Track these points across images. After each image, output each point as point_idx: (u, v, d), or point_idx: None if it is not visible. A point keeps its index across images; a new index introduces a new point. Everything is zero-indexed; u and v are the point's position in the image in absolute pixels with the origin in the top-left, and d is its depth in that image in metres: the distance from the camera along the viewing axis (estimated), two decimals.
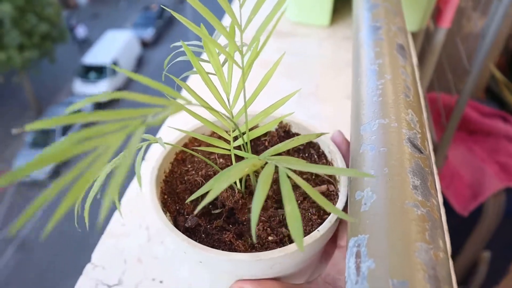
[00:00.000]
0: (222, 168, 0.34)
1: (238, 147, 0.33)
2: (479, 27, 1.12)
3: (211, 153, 0.38)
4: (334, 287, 0.31)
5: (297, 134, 0.39)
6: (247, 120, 0.31)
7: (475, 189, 0.98)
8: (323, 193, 0.33)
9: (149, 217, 0.50)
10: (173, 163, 0.37)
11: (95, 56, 11.09)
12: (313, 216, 0.31)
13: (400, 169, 0.27)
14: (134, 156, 0.28)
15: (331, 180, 0.35)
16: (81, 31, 12.26)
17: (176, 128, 0.31)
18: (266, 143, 0.38)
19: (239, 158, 0.33)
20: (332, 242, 0.34)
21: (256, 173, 0.35)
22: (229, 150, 0.32)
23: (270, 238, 0.30)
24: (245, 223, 0.32)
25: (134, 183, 0.55)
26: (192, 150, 0.37)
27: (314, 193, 0.21)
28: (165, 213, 0.31)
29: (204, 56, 0.57)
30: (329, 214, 0.30)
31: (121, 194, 0.53)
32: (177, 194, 0.34)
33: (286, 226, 0.31)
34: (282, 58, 0.32)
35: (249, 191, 0.34)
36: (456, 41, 1.05)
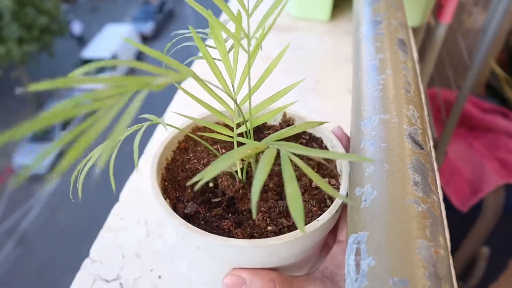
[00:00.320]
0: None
1: (242, 136, 0.33)
2: (480, 22, 1.12)
3: (214, 143, 0.38)
4: (332, 281, 0.31)
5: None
6: (251, 107, 0.31)
7: (475, 185, 0.98)
8: None
9: (148, 212, 0.50)
10: (175, 151, 0.37)
11: (94, 50, 11.05)
12: (313, 207, 0.31)
13: (400, 165, 0.27)
14: (134, 136, 0.28)
15: (333, 174, 0.35)
16: (76, 27, 12.21)
17: (180, 113, 0.31)
18: None
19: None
20: (333, 236, 0.34)
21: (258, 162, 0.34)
22: (232, 137, 0.32)
23: (269, 228, 0.30)
24: (244, 212, 0.32)
25: (133, 177, 0.55)
26: (192, 138, 0.36)
27: (315, 175, 0.20)
28: (165, 199, 0.31)
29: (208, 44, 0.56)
30: (329, 206, 0.30)
31: (120, 188, 0.52)
32: (177, 181, 0.34)
33: (286, 217, 0.31)
34: (284, 54, 0.32)
35: (250, 181, 0.34)
36: (456, 37, 1.04)
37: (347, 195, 0.30)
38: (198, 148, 0.37)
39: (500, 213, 0.97)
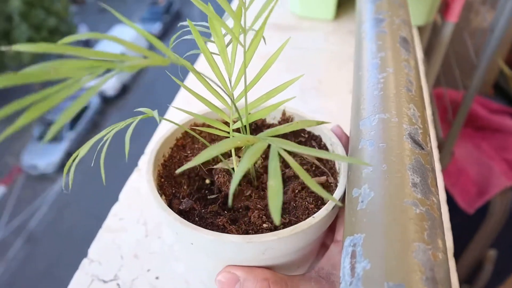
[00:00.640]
0: (222, 154, 0.34)
1: (239, 132, 0.33)
2: (488, 21, 1.10)
3: (212, 141, 0.38)
4: (328, 281, 0.30)
5: (301, 128, 0.39)
6: (247, 102, 0.30)
7: (482, 186, 0.96)
8: (322, 184, 0.33)
9: (147, 212, 0.50)
10: (173, 148, 0.37)
11: (103, 49, 11.12)
12: (310, 205, 0.31)
13: (399, 166, 0.26)
14: (125, 129, 0.28)
15: (331, 172, 0.34)
16: (82, 31, 12.30)
17: (178, 108, 0.31)
18: None
19: None
20: (331, 237, 0.33)
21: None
22: (228, 132, 0.32)
23: (264, 225, 0.30)
24: (240, 209, 0.32)
25: (132, 177, 0.54)
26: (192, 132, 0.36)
27: (303, 173, 0.20)
28: (161, 196, 0.31)
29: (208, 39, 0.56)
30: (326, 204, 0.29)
31: (119, 188, 0.52)
32: (174, 178, 0.34)
33: (282, 214, 0.30)
34: (286, 53, 0.31)
35: (247, 179, 0.33)
36: (464, 36, 1.03)
37: (344, 194, 0.30)
38: (196, 146, 0.37)
39: (507, 215, 0.95)
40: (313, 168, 0.35)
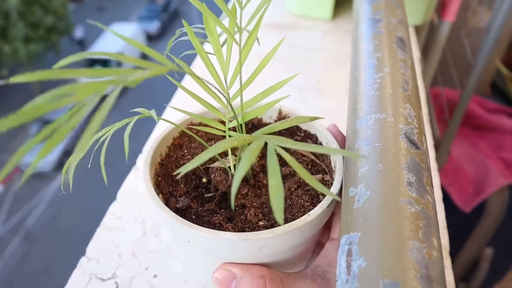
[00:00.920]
0: (218, 154, 0.34)
1: (235, 131, 0.33)
2: (485, 21, 1.10)
3: (209, 140, 0.38)
4: (323, 279, 0.30)
5: (297, 126, 0.39)
6: (242, 101, 0.31)
7: (478, 185, 0.97)
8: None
9: (145, 211, 0.50)
10: (170, 147, 0.37)
11: (100, 49, 11.10)
12: (305, 203, 0.31)
13: (395, 165, 0.26)
14: (123, 129, 0.28)
15: (327, 170, 0.34)
16: (78, 32, 12.18)
17: (174, 107, 0.31)
18: None
19: None
20: (327, 235, 0.34)
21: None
22: (225, 131, 0.32)
23: (260, 223, 0.30)
24: (237, 208, 0.32)
25: (130, 176, 0.54)
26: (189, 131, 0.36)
27: (299, 168, 0.20)
28: (158, 194, 0.31)
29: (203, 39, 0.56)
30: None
31: (117, 187, 0.52)
32: (171, 177, 0.34)
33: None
34: (283, 53, 0.31)
35: (243, 178, 0.33)
36: (460, 35, 1.03)
37: (340, 190, 0.30)
38: (193, 145, 0.37)
39: (504, 214, 0.96)
40: (309, 167, 0.35)
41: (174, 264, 0.44)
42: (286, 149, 0.36)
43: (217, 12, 0.30)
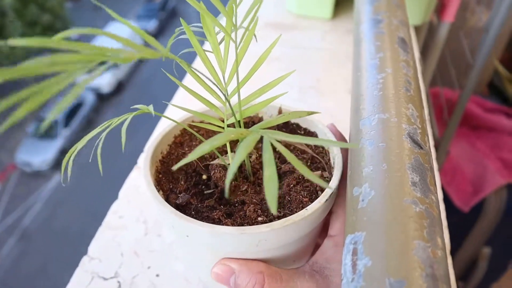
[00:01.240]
0: (218, 151, 0.34)
1: (234, 127, 0.33)
2: (483, 21, 1.11)
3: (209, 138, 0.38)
4: (321, 275, 0.31)
5: (297, 125, 0.39)
6: (240, 98, 0.31)
7: (477, 185, 0.97)
8: None
9: (147, 211, 0.50)
10: (171, 145, 0.37)
11: None
12: (304, 199, 0.31)
13: (399, 165, 0.26)
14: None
15: (326, 167, 0.35)
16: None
17: (174, 104, 0.31)
18: None
19: (233, 141, 0.33)
20: (325, 233, 0.34)
21: (250, 155, 0.35)
22: (223, 128, 0.32)
23: (259, 219, 0.30)
24: (236, 204, 0.32)
25: (132, 175, 0.54)
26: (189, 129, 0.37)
27: (296, 162, 0.20)
28: (158, 191, 0.31)
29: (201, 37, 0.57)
30: None
31: (115, 186, 0.52)
32: (171, 174, 0.35)
33: (277, 208, 0.31)
34: (284, 52, 0.32)
35: (243, 174, 0.34)
36: (459, 36, 1.04)
37: (338, 185, 0.31)
38: (193, 143, 0.38)
39: (502, 213, 0.96)
40: (309, 164, 0.36)
41: (176, 264, 0.45)
42: (286, 146, 0.37)
43: (215, 10, 0.30)
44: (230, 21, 0.28)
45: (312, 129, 0.39)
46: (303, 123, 0.39)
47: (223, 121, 0.33)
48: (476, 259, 1.03)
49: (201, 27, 0.31)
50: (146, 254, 0.45)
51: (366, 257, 0.22)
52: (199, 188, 0.34)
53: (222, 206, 0.32)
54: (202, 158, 0.36)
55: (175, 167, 0.27)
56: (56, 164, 8.60)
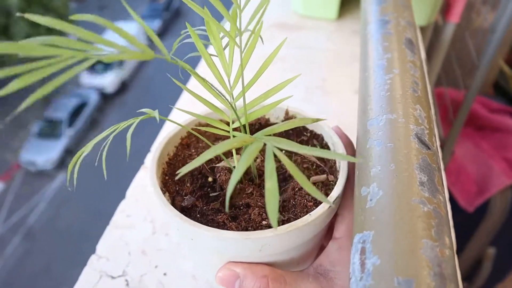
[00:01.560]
0: (224, 154, 0.34)
1: (239, 131, 0.33)
2: (489, 22, 1.11)
3: (216, 140, 0.38)
4: (326, 278, 0.31)
5: (304, 127, 0.39)
6: (245, 102, 0.31)
7: (482, 185, 0.97)
8: (322, 183, 0.34)
9: (154, 210, 0.50)
10: (177, 147, 0.38)
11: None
12: (308, 203, 0.31)
13: (407, 165, 0.27)
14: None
15: (332, 171, 0.35)
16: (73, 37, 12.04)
17: (179, 108, 0.31)
18: (271, 135, 0.38)
19: None
20: (330, 235, 0.34)
21: (256, 158, 0.35)
22: (228, 132, 0.32)
23: (264, 222, 0.30)
24: (241, 207, 0.32)
25: (139, 175, 0.55)
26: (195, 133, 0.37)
27: (297, 172, 0.20)
28: (164, 193, 0.32)
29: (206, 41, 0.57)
30: None
31: (121, 185, 0.53)
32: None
33: (281, 212, 0.31)
34: (290, 53, 0.32)
35: (249, 177, 0.34)
36: (465, 36, 1.04)
37: (342, 193, 0.31)
38: (200, 145, 0.38)
39: (506, 214, 0.96)
40: (314, 167, 0.36)
41: (183, 263, 0.45)
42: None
43: (218, 15, 0.31)
44: (234, 25, 0.28)
45: (318, 131, 0.39)
46: (310, 125, 0.39)
47: (228, 124, 0.34)
48: (481, 260, 1.03)
49: (206, 30, 0.31)
50: (154, 253, 0.46)
51: (374, 256, 0.23)
52: (205, 191, 0.34)
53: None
54: (208, 160, 0.36)
55: (178, 175, 0.27)
56: (61, 163, 8.62)
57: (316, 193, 0.20)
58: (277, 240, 0.28)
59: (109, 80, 9.91)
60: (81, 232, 7.39)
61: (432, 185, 0.26)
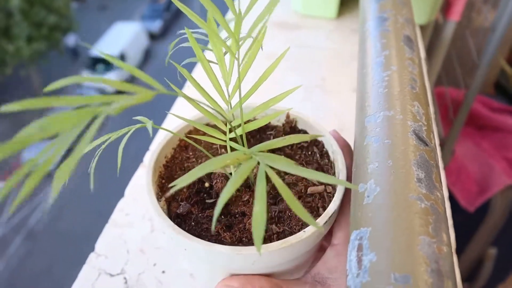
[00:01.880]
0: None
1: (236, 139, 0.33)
2: (489, 20, 1.10)
3: (213, 145, 0.38)
4: (323, 285, 0.30)
5: (304, 131, 0.39)
6: (242, 113, 0.31)
7: (482, 184, 0.97)
8: (319, 194, 0.33)
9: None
10: (175, 149, 0.37)
11: (103, 48, 11.10)
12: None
13: (404, 162, 0.26)
14: (120, 138, 0.28)
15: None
16: (71, 39, 11.68)
17: (175, 115, 0.31)
18: (272, 138, 0.38)
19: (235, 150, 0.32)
20: (329, 240, 0.34)
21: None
22: (225, 141, 0.31)
23: None
24: (237, 215, 0.32)
25: (138, 173, 0.55)
26: (190, 138, 0.36)
27: (288, 195, 0.20)
28: (160, 198, 0.31)
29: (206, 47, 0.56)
30: (321, 216, 0.29)
31: (121, 185, 0.53)
32: (175, 180, 0.34)
33: (276, 223, 0.30)
34: (290, 52, 0.31)
35: (246, 184, 0.33)
36: (465, 35, 1.03)
37: (339, 208, 0.30)
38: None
39: (507, 214, 0.96)
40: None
41: (181, 261, 0.45)
42: (289, 157, 0.36)
43: (221, 6, 0.30)
44: (236, 42, 0.28)
45: (318, 138, 0.38)
46: (310, 130, 0.38)
47: (219, 128, 0.33)
48: (482, 260, 1.03)
49: (205, 34, 0.30)
50: (152, 251, 0.46)
51: (371, 253, 0.22)
52: (201, 196, 0.34)
53: (222, 217, 0.32)
54: None
55: (170, 192, 0.27)
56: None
57: (306, 217, 0.19)
58: (269, 257, 0.28)
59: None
60: (83, 232, 7.40)
61: (429, 181, 0.26)
